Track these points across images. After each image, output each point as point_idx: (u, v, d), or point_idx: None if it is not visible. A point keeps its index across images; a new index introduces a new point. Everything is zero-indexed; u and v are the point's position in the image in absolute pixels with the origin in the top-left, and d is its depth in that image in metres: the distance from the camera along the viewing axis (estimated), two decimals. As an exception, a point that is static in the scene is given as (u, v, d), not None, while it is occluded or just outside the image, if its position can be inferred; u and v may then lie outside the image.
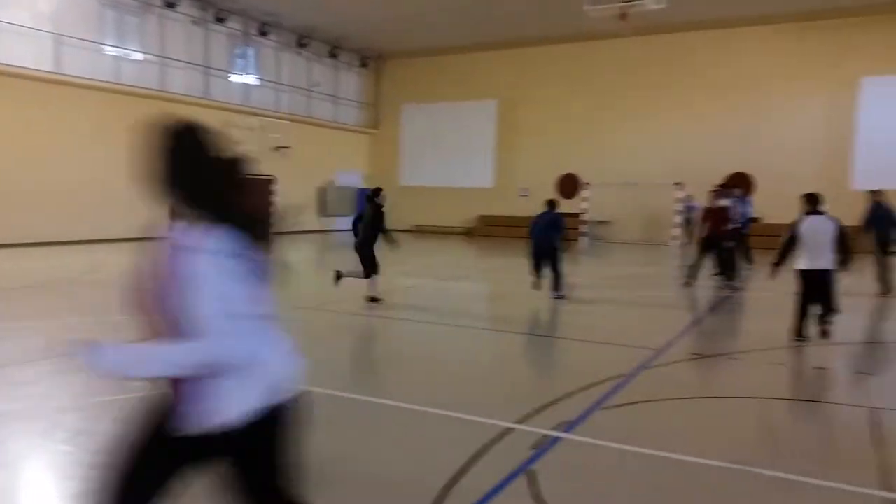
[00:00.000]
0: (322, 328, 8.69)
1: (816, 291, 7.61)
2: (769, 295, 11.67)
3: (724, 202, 13.15)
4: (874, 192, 12.59)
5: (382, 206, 10.27)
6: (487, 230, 28.83)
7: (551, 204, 11.32)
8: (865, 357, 7.76)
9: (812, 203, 7.69)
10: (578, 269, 16.19)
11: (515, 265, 14.84)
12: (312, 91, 28.41)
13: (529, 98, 28.39)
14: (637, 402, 5.53)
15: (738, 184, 20.85)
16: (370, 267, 10.19)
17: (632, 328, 9.00)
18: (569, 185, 27.46)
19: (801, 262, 7.58)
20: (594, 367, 6.70)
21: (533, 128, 28.46)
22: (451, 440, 4.60)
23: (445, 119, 30.36)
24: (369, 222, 10.14)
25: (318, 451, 4.40)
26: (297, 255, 18.76)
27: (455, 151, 30.16)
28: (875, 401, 5.73)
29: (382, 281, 10.73)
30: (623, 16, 20.22)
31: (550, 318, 10.24)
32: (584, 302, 11.29)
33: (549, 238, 10.87)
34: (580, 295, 11.49)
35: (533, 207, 28.02)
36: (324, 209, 29.64)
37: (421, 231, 30.57)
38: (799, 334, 7.73)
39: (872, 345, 8.27)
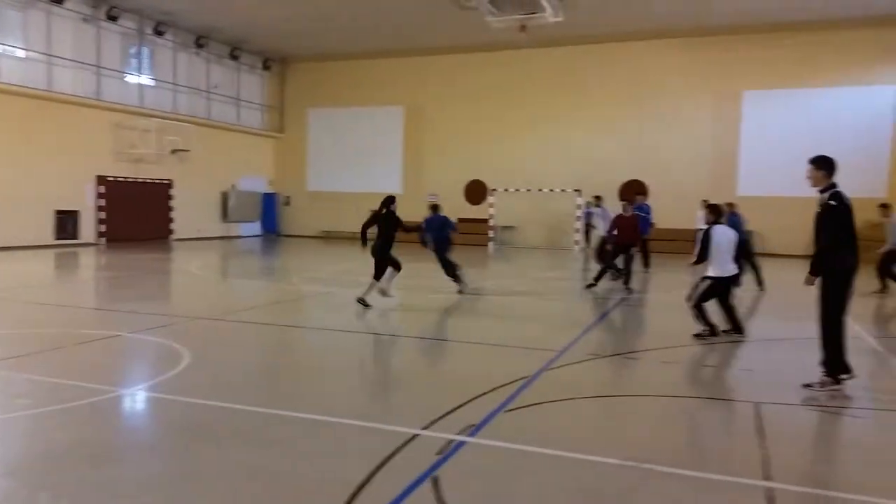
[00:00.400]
0: (221, 338, 8.41)
1: (721, 295, 8.25)
2: (665, 297, 12.26)
3: (631, 211, 13.69)
4: (728, 205, 13.37)
5: (395, 212, 11.09)
6: (397, 235, 28.76)
7: (435, 208, 13.17)
8: (751, 354, 8.25)
9: (716, 213, 8.42)
10: (485, 273, 16.46)
11: (423, 270, 14.89)
12: (212, 93, 27.52)
13: (437, 105, 28.62)
14: (539, 404, 5.66)
15: (638, 192, 21.87)
16: (393, 266, 11.04)
17: (535, 331, 9.21)
18: (476, 191, 27.92)
19: (711, 269, 8.21)
20: (498, 370, 6.81)
21: (441, 135, 28.70)
22: (355, 450, 4.55)
23: (353, 124, 30.14)
24: (385, 229, 10.90)
25: (221, 465, 4.26)
26: (198, 262, 18.09)
27: (363, 157, 29.98)
28: (759, 396, 6.09)
29: (291, 290, 10.51)
30: (523, 27, 20.94)
31: (456, 323, 10.34)
32: (489, 305, 11.46)
33: (443, 237, 12.59)
34: (486, 298, 11.66)
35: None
36: (226, 215, 28.76)
37: (330, 237, 30.20)
38: (702, 334, 8.32)
39: (759, 343, 8.80)
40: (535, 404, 5.65)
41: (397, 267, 11.07)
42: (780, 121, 24.00)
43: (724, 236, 8.23)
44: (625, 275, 13.16)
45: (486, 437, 4.78)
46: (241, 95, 29.28)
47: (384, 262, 10.90)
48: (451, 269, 12.55)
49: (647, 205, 17.52)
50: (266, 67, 30.40)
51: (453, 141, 28.41)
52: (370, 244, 11.01)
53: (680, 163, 25.07)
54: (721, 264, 8.20)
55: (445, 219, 13.00)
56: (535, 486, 4.08)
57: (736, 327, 8.52)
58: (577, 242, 25.09)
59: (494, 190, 26.71)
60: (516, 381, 6.31)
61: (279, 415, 5.25)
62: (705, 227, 8.41)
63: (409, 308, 11.98)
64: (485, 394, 5.85)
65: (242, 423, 5.09)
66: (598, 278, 13.26)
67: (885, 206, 13.78)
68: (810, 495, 4.04)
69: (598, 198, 18.53)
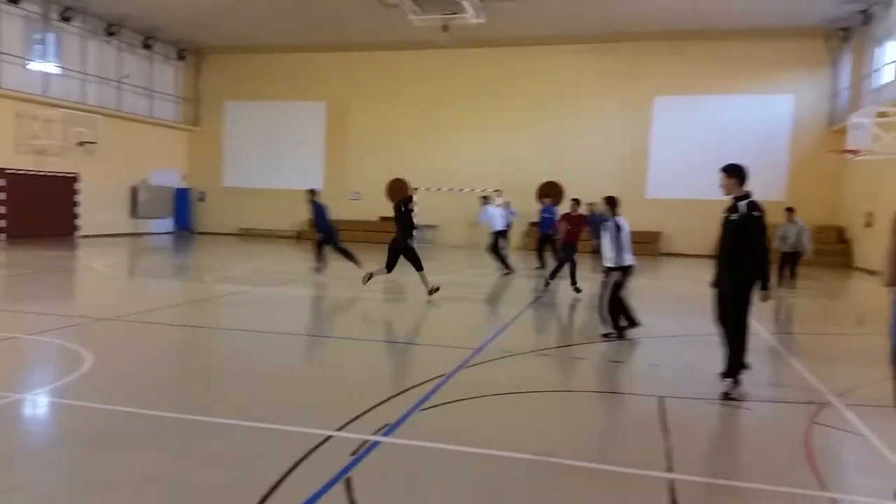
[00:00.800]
0: (127, 340, 8.08)
1: (624, 286, 8.50)
2: (579, 294, 12.59)
3: (582, 210, 13.96)
4: (311, 192, 15.44)
5: (413, 210, 11.83)
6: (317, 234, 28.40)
7: (313, 192, 15.29)
8: (659, 350, 8.59)
9: (613, 205, 8.61)
10: (405, 273, 16.43)
11: (344, 269, 14.77)
12: (123, 83, 26.36)
13: (360, 102, 28.40)
14: (454, 402, 5.72)
15: (549, 193, 22.41)
16: (414, 263, 11.62)
17: (453, 329, 9.29)
18: (398, 189, 27.84)
19: (619, 258, 8.41)
20: (415, 369, 6.84)
21: (363, 132, 28.49)
22: (267, 453, 4.47)
23: (272, 119, 29.51)
24: (402, 225, 11.57)
25: (122, 471, 4.10)
26: (105, 260, 17.31)
27: (283, 152, 29.41)
28: (664, 390, 6.36)
29: (203, 289, 10.21)
30: (445, 27, 21.14)
31: (374, 321, 10.30)
32: (408, 304, 11.49)
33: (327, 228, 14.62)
34: (403, 298, 11.68)
35: (364, 210, 28.31)
36: (136, 211, 27.61)
37: (248, 234, 29.49)
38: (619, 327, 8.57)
39: (667, 339, 9.17)
40: (450, 402, 5.70)
41: (391, 269, 11.73)
42: (687, 126, 25.08)
43: (626, 227, 8.49)
44: (554, 271, 13.40)
45: (400, 437, 4.80)
46: (155, 86, 28.17)
47: (402, 255, 11.59)
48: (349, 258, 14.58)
49: (553, 207, 18.03)
50: (181, 58, 29.37)
51: (376, 138, 28.26)
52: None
53: (593, 165, 25.82)
54: (625, 255, 8.43)
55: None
56: (446, 483, 4.13)
57: (631, 322, 8.65)
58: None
59: (417, 188, 26.72)
60: (432, 379, 6.36)
61: (187, 419, 5.10)
62: (607, 219, 8.58)
63: (329, 307, 11.87)
64: (401, 393, 5.87)
65: (147, 427, 4.92)
66: (552, 276, 13.44)
67: (790, 210, 14.56)
68: (708, 484, 4.26)
69: (485, 198, 18.89)
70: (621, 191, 25.07)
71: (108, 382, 6.09)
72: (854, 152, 18.03)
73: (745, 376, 6.25)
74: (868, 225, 21.00)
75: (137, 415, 5.13)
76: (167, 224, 29.63)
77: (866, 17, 20.84)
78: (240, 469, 4.22)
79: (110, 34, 25.32)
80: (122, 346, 7.72)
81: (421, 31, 22.72)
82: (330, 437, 4.70)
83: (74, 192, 24.60)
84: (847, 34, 22.55)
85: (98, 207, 25.32)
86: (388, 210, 27.97)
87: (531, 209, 26.31)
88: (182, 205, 30.01)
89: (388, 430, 4.89)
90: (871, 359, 8.32)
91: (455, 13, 20.72)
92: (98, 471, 4.14)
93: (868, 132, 17.25)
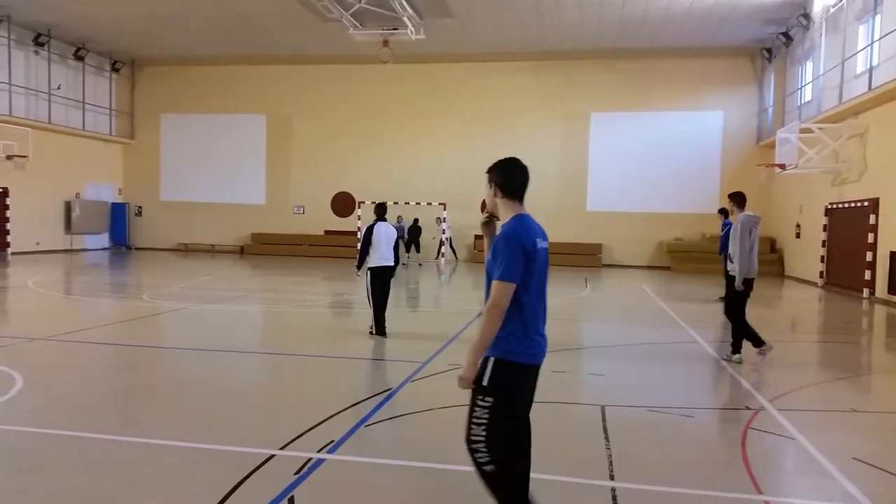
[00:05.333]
0: (59, 361, 7.76)
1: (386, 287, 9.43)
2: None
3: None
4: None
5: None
6: (261, 248, 28.00)
7: None
8: (600, 360, 8.75)
9: (381, 211, 9.55)
10: (351, 286, 16.32)
11: (289, 284, 14.54)
12: (54, 95, 25.47)
13: (303, 115, 28.16)
14: (400, 416, 5.69)
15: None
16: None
17: (400, 343, 9.24)
18: (344, 203, 27.73)
19: (373, 260, 9.24)
20: (361, 385, 6.78)
21: (306, 145, 28.25)
22: (205, 475, 4.34)
23: (211, 132, 28.97)
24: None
25: (48, 496, 3.92)
26: (36, 277, 16.62)
27: (223, 166, 28.88)
28: (605, 399, 6.47)
29: (140, 307, 9.89)
30: (385, 43, 21.27)
31: (321, 338, 10.16)
32: (354, 318, 11.38)
33: None
34: (350, 312, 11.58)
35: (308, 224, 28.02)
36: (69, 226, 26.64)
37: (188, 250, 28.79)
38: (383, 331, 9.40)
39: (609, 349, 9.35)
40: (396, 417, 5.67)
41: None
42: (623, 141, 25.77)
43: (387, 231, 9.28)
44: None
45: (345, 454, 4.74)
46: (87, 98, 27.31)
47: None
48: None
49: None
50: (115, 69, 28.58)
51: (320, 152, 28.06)
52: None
53: (535, 178, 25.86)
54: (384, 255, 9.20)
55: None
56: (391, 499, 4.10)
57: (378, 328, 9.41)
58: (442, 254, 25.52)
59: (363, 202, 26.63)
60: (379, 394, 6.31)
61: (120, 440, 4.92)
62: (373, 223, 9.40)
63: (273, 324, 11.67)
64: (347, 409, 5.81)
65: (77, 450, 4.72)
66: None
67: (723, 212, 14.69)
68: (649, 491, 4.34)
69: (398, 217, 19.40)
70: (562, 204, 25.82)
71: (37, 405, 5.83)
72: (781, 166, 18.82)
73: (682, 384, 6.42)
74: (797, 236, 21.93)
75: (65, 437, 4.93)
76: (103, 240, 28.70)
77: (787, 38, 21.87)
78: (175, 493, 4.09)
79: (39, 44, 24.45)
80: (54, 367, 7.41)
81: (362, 45, 22.82)
82: (273, 455, 4.61)
83: (5, 207, 23.59)
84: (770, 54, 23.61)
85: (30, 223, 24.36)
86: (334, 224, 27.97)
87: (476, 222, 26.54)
88: (118, 220, 29.12)
89: (333, 447, 4.82)
90: (802, 364, 8.66)
91: (395, 29, 20.90)
92: (20, 496, 3.95)
93: (794, 147, 18.05)
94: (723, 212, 14.63)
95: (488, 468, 3.23)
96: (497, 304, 3.11)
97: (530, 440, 3.56)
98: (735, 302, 8.28)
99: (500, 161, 3.50)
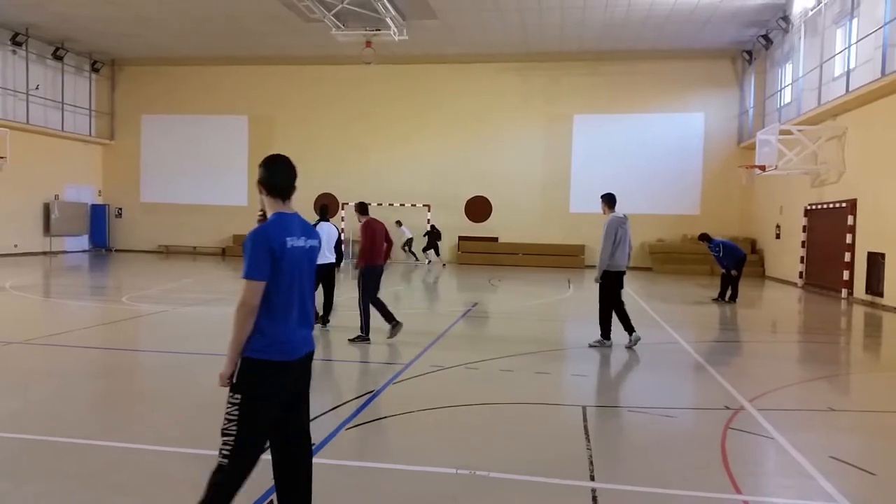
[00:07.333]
0: (35, 365, 7.65)
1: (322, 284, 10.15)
2: (506, 307, 12.74)
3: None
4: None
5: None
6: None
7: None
8: (581, 360, 8.78)
9: (323, 212, 10.69)
10: (337, 288, 16.23)
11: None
12: (32, 95, 25.14)
13: (285, 116, 28.02)
14: (381, 418, 5.68)
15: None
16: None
17: (383, 345, 9.22)
18: (328, 204, 27.60)
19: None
20: (344, 387, 6.75)
21: (289, 146, 28.03)
22: (181, 480, 4.29)
23: (192, 133, 28.74)
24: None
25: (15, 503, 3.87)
26: (13, 280, 16.39)
27: (204, 167, 28.66)
28: (586, 400, 6.50)
29: (119, 310, 9.78)
30: (368, 43, 21.25)
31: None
32: (338, 320, 11.32)
33: None
34: (333, 314, 11.52)
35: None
36: (48, 228, 26.30)
37: (169, 252, 28.54)
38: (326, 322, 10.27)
39: (591, 349, 9.38)
40: (378, 419, 5.65)
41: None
42: (606, 143, 25.88)
43: (328, 231, 10.34)
44: None
45: (326, 456, 4.71)
46: (67, 99, 26.99)
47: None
48: None
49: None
50: (94, 69, 28.27)
51: (303, 153, 27.79)
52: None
53: (518, 179, 26.30)
54: (323, 254, 9.84)
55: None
56: (372, 502, 4.08)
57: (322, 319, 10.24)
58: (427, 256, 25.50)
59: (346, 203, 26.53)
60: (361, 396, 6.29)
61: (98, 445, 4.87)
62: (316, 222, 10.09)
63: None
64: (329, 411, 5.78)
65: (48, 456, 4.66)
66: None
67: (703, 237, 15.57)
68: (629, 492, 4.36)
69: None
70: (546, 206, 25.89)
71: (14, 409, 5.75)
72: (762, 168, 19.01)
73: (663, 385, 6.46)
74: (777, 237, 22.16)
75: (42, 442, 4.86)
76: (82, 242, 28.36)
77: (767, 41, 22.11)
78: (153, 497, 4.05)
79: (16, 44, 24.13)
80: (31, 372, 7.30)
81: (345, 46, 22.74)
82: (253, 459, 4.57)
83: (-22, 210, 23.27)
84: (751, 57, 23.85)
85: (7, 225, 24.04)
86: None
87: (459, 224, 26.59)
88: (98, 221, 28.78)
89: (315, 449, 4.79)
90: (781, 364, 8.75)
91: (378, 30, 20.88)
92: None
93: (774, 149, 18.23)
94: (703, 237, 15.55)
95: (223, 462, 3.30)
96: (244, 302, 3.15)
97: (301, 436, 3.63)
98: (603, 293, 9.16)
99: (265, 158, 3.45)
